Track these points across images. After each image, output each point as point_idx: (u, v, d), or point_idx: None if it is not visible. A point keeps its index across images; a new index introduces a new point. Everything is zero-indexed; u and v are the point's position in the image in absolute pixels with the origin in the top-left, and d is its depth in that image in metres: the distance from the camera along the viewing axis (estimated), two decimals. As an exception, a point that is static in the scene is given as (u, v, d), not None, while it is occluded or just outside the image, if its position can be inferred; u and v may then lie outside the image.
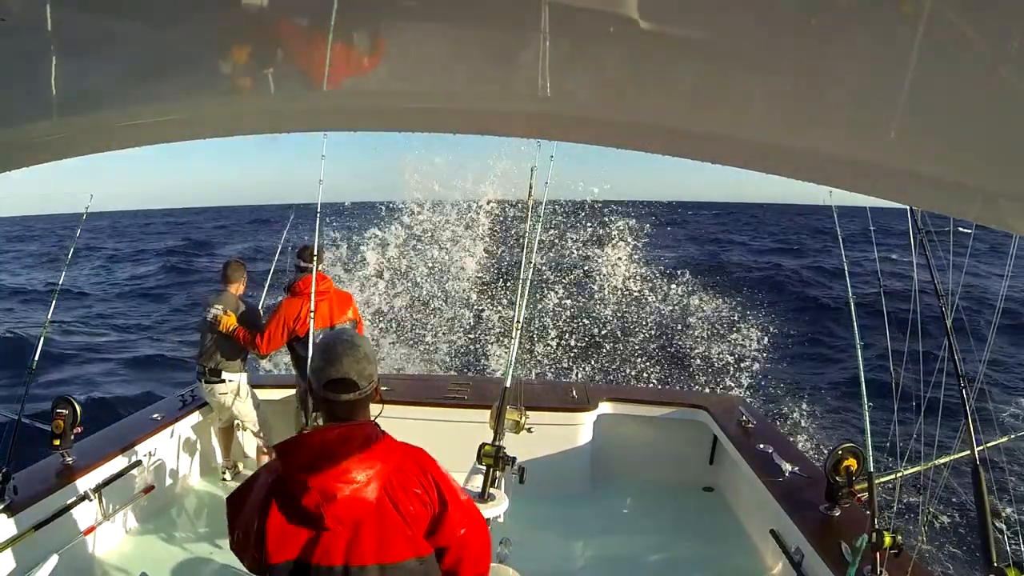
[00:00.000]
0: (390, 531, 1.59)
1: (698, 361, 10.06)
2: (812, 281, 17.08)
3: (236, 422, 4.89)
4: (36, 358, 3.93)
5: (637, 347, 10.57)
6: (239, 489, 1.66)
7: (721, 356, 10.24)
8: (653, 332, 11.20)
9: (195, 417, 4.79)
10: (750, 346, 10.66)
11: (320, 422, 1.75)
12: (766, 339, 10.98)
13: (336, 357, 1.64)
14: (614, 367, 9.76)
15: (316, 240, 4.51)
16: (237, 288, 4.78)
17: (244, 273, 4.85)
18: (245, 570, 1.64)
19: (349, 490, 1.52)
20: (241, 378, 4.70)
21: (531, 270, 4.03)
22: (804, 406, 8.51)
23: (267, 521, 1.54)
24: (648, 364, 9.93)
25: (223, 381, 4.63)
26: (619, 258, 13.53)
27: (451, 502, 1.66)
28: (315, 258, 4.48)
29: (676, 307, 12.57)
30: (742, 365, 9.92)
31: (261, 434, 4.84)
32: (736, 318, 11.87)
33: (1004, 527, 2.65)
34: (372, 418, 1.72)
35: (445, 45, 0.93)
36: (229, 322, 4.57)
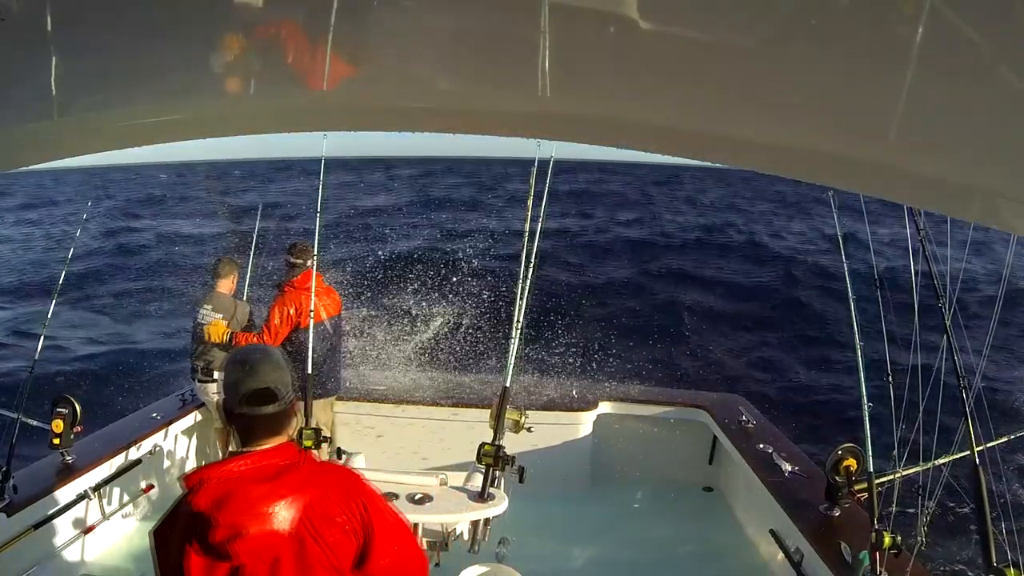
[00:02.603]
0: (311, 563, 1.51)
1: (698, 358, 10.04)
2: (813, 266, 16.72)
3: None
4: (36, 357, 3.93)
5: (636, 343, 10.54)
6: (162, 523, 1.58)
7: (720, 353, 10.22)
8: (651, 326, 11.17)
9: (194, 416, 4.78)
10: (749, 343, 10.65)
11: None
12: (765, 335, 10.96)
13: (253, 367, 1.57)
14: (614, 364, 9.72)
15: (316, 238, 4.50)
16: (229, 285, 4.65)
17: (235, 269, 4.70)
18: None
19: (259, 524, 1.45)
20: None
21: (532, 270, 4.02)
22: (803, 405, 8.50)
23: (186, 560, 1.48)
24: (646, 359, 9.88)
25: (215, 380, 4.56)
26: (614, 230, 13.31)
27: (378, 529, 1.58)
28: (314, 257, 4.48)
29: (672, 297, 12.48)
30: (741, 364, 9.91)
31: None
32: (733, 310, 11.81)
33: (1003, 527, 2.65)
34: (291, 437, 1.64)
35: (444, 45, 0.93)
36: (220, 331, 4.39)
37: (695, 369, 9.71)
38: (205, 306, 4.52)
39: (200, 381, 4.60)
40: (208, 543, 1.46)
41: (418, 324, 11.29)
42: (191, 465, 4.89)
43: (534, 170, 4.05)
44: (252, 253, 5.60)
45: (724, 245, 19.39)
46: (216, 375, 4.52)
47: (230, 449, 1.61)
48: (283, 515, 1.48)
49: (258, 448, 1.56)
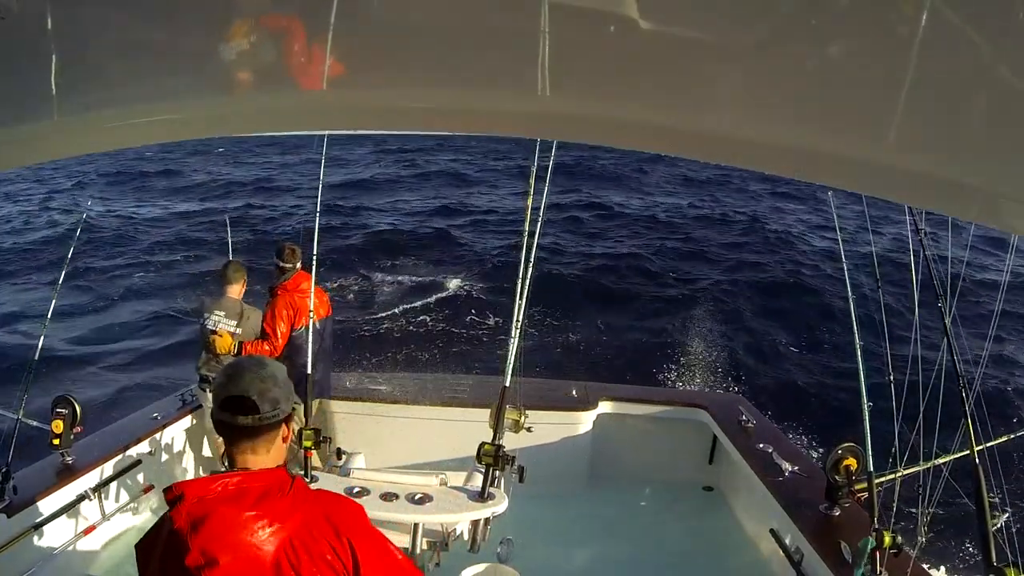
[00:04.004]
0: None
1: (696, 357, 10.03)
2: (812, 259, 16.52)
3: None
4: (36, 356, 3.93)
5: (634, 340, 10.52)
6: (145, 538, 1.51)
7: (719, 352, 10.21)
8: (649, 323, 11.14)
9: (193, 417, 4.78)
10: (750, 342, 10.64)
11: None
12: (765, 334, 10.95)
13: (238, 373, 1.49)
14: (613, 361, 9.69)
15: (315, 239, 4.49)
16: (238, 291, 4.56)
17: (245, 273, 4.62)
18: None
19: (235, 553, 1.36)
20: None
21: (531, 268, 4.00)
22: (803, 404, 8.50)
23: None
24: (645, 357, 9.85)
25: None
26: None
27: (367, 570, 1.46)
28: (313, 256, 4.47)
29: (670, 292, 12.41)
30: (741, 362, 9.90)
31: None
32: (733, 306, 11.78)
33: (1003, 527, 2.65)
34: (285, 460, 1.56)
35: (444, 44, 0.93)
36: (227, 343, 4.27)
37: (695, 367, 9.71)
38: (216, 312, 4.39)
39: (210, 391, 4.54)
40: (182, 567, 1.37)
41: (418, 321, 11.31)
42: (191, 465, 4.90)
43: (533, 169, 4.03)
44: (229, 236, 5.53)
45: (721, 231, 19.08)
46: None
47: (210, 471, 1.55)
48: (263, 545, 1.39)
49: (244, 468, 1.49)
